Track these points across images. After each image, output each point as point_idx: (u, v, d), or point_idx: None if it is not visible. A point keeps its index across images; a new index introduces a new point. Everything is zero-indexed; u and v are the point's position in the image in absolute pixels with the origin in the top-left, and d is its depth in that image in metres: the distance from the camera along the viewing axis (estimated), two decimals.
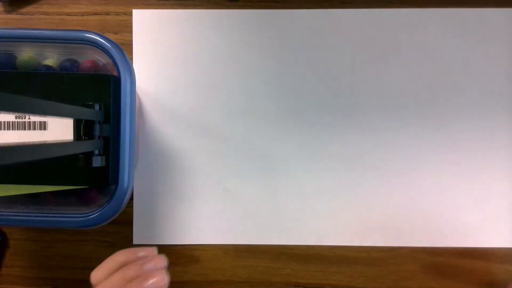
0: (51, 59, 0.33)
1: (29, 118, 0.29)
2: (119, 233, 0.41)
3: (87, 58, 0.33)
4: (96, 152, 0.30)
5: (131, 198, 0.40)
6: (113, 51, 0.30)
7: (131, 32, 0.40)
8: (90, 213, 0.30)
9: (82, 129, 0.30)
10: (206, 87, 0.40)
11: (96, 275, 0.31)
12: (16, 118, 0.29)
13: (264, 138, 0.40)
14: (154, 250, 0.33)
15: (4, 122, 0.29)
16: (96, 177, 0.30)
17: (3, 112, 0.28)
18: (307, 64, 0.40)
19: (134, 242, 0.40)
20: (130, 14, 0.40)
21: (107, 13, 0.41)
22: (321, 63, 0.40)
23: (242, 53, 0.40)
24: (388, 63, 0.40)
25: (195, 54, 0.40)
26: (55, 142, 0.29)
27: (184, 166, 0.40)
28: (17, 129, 0.29)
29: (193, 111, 0.40)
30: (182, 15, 0.40)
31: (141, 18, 0.40)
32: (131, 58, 0.40)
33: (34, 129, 0.29)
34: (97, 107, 0.30)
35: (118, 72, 0.30)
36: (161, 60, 0.40)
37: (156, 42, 0.40)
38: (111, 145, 0.30)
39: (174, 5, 0.40)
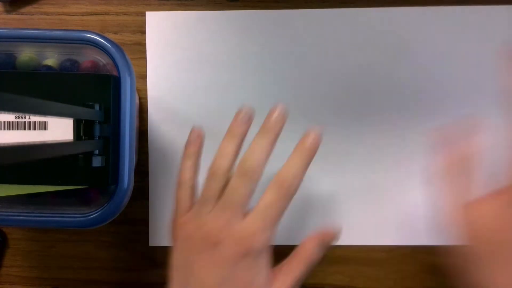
0: (51, 59, 0.33)
1: (29, 118, 0.29)
2: (119, 233, 0.41)
3: (87, 58, 0.33)
4: (96, 152, 0.30)
5: (146, 198, 0.40)
6: (113, 51, 0.30)
7: (131, 32, 0.40)
8: (90, 213, 0.30)
9: (82, 129, 0.30)
10: (209, 88, 0.40)
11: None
12: (16, 118, 0.29)
13: None
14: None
15: (4, 122, 0.29)
16: (96, 177, 0.30)
17: (3, 112, 0.28)
18: (318, 64, 0.40)
19: (151, 244, 0.40)
20: (130, 14, 0.40)
21: (107, 13, 0.41)
22: (331, 62, 0.40)
23: (246, 53, 0.40)
24: (398, 62, 0.40)
25: (198, 55, 0.40)
26: (55, 142, 0.29)
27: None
28: (17, 129, 0.29)
29: (196, 112, 0.40)
30: (186, 16, 0.40)
31: (151, 20, 0.40)
32: (131, 58, 0.40)
33: (34, 129, 0.29)
34: (97, 107, 0.30)
35: (118, 72, 0.30)
36: (163, 61, 0.40)
37: (157, 43, 0.40)
38: (111, 145, 0.30)
39: (174, 5, 0.40)
